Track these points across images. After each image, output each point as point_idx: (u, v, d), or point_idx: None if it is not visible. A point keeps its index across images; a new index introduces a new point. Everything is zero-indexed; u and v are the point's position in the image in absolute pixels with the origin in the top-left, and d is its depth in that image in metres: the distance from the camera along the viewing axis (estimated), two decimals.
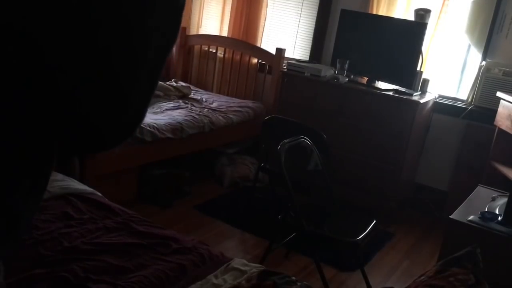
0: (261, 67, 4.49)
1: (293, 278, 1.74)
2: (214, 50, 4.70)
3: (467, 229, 2.13)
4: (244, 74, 4.52)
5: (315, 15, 4.29)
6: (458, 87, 3.88)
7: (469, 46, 3.76)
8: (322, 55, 4.29)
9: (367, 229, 2.44)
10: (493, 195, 2.51)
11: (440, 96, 3.85)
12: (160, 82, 4.23)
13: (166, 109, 3.78)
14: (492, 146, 3.36)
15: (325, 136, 2.93)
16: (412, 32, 3.57)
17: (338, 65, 3.78)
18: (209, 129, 3.69)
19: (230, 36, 4.57)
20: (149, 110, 3.70)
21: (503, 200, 2.35)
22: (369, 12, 3.89)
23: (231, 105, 4.15)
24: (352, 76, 3.85)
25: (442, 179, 3.90)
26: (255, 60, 4.48)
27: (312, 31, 4.32)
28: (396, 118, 3.50)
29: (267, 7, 4.45)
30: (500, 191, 2.59)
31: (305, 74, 3.85)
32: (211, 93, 4.60)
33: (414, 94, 3.55)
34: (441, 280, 1.29)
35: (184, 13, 4.82)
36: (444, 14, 3.69)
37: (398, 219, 3.67)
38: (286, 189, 2.40)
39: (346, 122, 3.70)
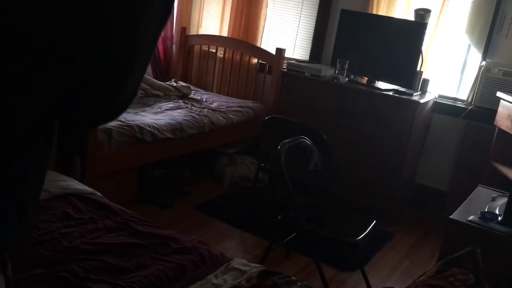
0: (261, 67, 4.49)
1: (293, 278, 1.74)
2: (214, 50, 4.70)
3: (467, 229, 2.12)
4: (244, 74, 4.52)
5: (315, 15, 4.29)
6: (458, 87, 3.88)
7: (469, 46, 3.76)
8: (322, 55, 4.29)
9: (367, 229, 2.44)
10: (493, 195, 2.50)
11: (440, 96, 3.85)
12: (160, 82, 4.24)
13: (166, 109, 3.78)
14: (492, 146, 3.36)
15: (325, 136, 2.93)
16: (412, 32, 3.57)
17: (338, 65, 3.78)
18: (209, 129, 3.69)
19: (230, 36, 4.57)
20: (149, 110, 3.71)
21: (503, 200, 2.35)
22: (369, 12, 3.89)
23: (231, 105, 4.15)
24: (352, 76, 3.85)
25: (442, 179, 3.90)
26: (255, 60, 4.48)
27: (312, 31, 4.32)
28: (396, 118, 3.50)
29: (267, 7, 4.45)
30: (500, 191, 2.59)
31: (305, 74, 3.85)
32: (211, 93, 4.60)
33: (414, 94, 3.55)
34: (441, 280, 1.29)
35: (184, 13, 4.85)
36: (444, 14, 3.69)
37: (398, 219, 3.67)
38: (286, 189, 2.40)
39: (346, 122, 3.70)
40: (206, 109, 3.92)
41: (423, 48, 3.57)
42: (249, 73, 4.50)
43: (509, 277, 2.05)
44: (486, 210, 2.25)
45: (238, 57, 4.52)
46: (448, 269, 1.33)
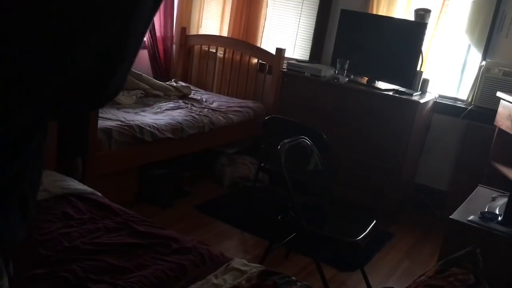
0: (261, 67, 4.49)
1: (293, 278, 1.74)
2: (214, 50, 4.70)
3: (467, 229, 2.13)
4: (244, 74, 4.52)
5: (315, 15, 4.29)
6: (458, 87, 3.88)
7: (469, 46, 3.76)
8: (322, 55, 4.29)
9: (367, 229, 2.44)
10: (493, 195, 2.50)
11: (440, 96, 3.85)
12: (160, 82, 4.24)
13: (166, 109, 3.78)
14: (492, 146, 3.36)
15: (325, 136, 2.93)
16: (412, 32, 3.57)
17: (338, 65, 3.78)
18: (209, 129, 3.69)
19: (230, 36, 4.57)
20: (149, 110, 3.71)
21: (503, 200, 2.35)
22: (369, 12, 3.89)
23: (231, 105, 4.15)
24: (352, 76, 3.85)
25: (442, 179, 3.90)
26: (255, 60, 4.48)
27: (312, 31, 4.32)
28: (396, 118, 3.50)
29: (267, 7, 4.45)
30: (500, 191, 2.59)
31: (305, 74, 3.85)
32: (211, 93, 4.60)
33: (414, 94, 3.55)
34: (441, 280, 1.29)
35: (184, 13, 4.85)
36: (444, 14, 3.69)
37: (398, 219, 3.67)
38: (286, 189, 2.40)
39: (346, 122, 3.70)
40: (206, 109, 3.92)
41: (423, 48, 3.57)
42: (249, 73, 4.50)
43: (509, 277, 2.05)
44: (486, 210, 2.25)
45: (238, 57, 4.52)
46: (448, 269, 1.33)
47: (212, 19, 4.82)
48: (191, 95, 4.30)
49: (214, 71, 4.74)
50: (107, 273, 1.68)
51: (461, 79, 3.87)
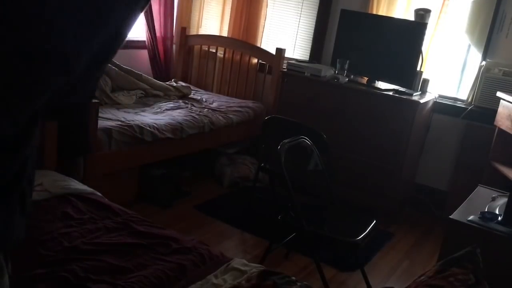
0: (261, 67, 4.49)
1: (293, 278, 1.74)
2: (214, 50, 4.70)
3: (467, 229, 2.12)
4: (244, 74, 4.52)
5: (315, 15, 4.29)
6: (458, 87, 3.88)
7: (469, 46, 3.76)
8: (322, 55, 4.29)
9: (367, 229, 2.44)
10: (493, 195, 2.50)
11: (440, 96, 3.85)
12: (160, 82, 4.24)
13: (166, 109, 3.78)
14: (492, 146, 3.36)
15: (325, 136, 2.93)
16: (412, 32, 3.57)
17: (338, 65, 3.78)
18: (209, 129, 3.69)
19: (230, 36, 4.57)
20: (149, 110, 3.71)
21: (503, 200, 2.34)
22: (369, 12, 3.89)
23: (231, 105, 4.15)
24: (352, 76, 3.85)
25: (442, 179, 3.90)
26: (255, 60, 4.48)
27: (312, 31, 4.32)
28: (396, 118, 3.50)
29: (267, 7, 4.45)
30: (500, 191, 2.58)
31: (305, 74, 3.85)
32: (211, 93, 4.60)
33: (414, 94, 3.55)
34: (441, 280, 1.29)
35: (184, 13, 4.84)
36: (444, 14, 3.69)
37: (398, 219, 3.67)
38: (286, 189, 2.40)
39: (346, 122, 3.69)
40: (206, 109, 3.92)
41: (423, 48, 3.57)
42: (249, 73, 4.50)
43: (509, 277, 2.05)
44: (486, 210, 2.25)
45: (238, 57, 4.52)
46: (448, 269, 1.33)
47: (212, 19, 4.82)
48: (191, 95, 4.30)
49: (214, 71, 4.73)
50: (107, 273, 1.68)
51: (461, 79, 3.87)
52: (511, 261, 2.05)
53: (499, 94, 3.29)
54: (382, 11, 3.87)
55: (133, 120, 3.27)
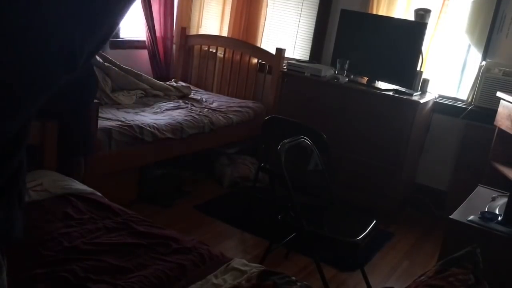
0: (261, 67, 4.49)
1: (293, 278, 1.74)
2: (214, 50, 4.70)
3: (467, 229, 2.12)
4: (244, 74, 4.52)
5: (315, 15, 4.29)
6: (458, 87, 3.88)
7: (469, 46, 3.76)
8: (322, 55, 4.29)
9: (367, 229, 2.44)
10: (493, 195, 2.50)
11: (440, 96, 3.85)
12: (160, 82, 4.24)
13: (166, 109, 3.78)
14: (492, 146, 3.36)
15: (325, 136, 2.93)
16: (412, 32, 3.57)
17: (338, 65, 3.78)
18: (209, 129, 3.69)
19: (230, 36, 4.57)
20: (149, 110, 3.71)
21: (503, 200, 2.34)
22: (369, 12, 3.89)
23: (231, 105, 4.15)
24: (352, 76, 3.85)
25: (442, 179, 3.90)
26: (255, 60, 4.48)
27: (312, 31, 4.32)
28: (396, 118, 3.50)
29: (267, 7, 4.45)
30: (500, 191, 2.59)
31: (305, 74, 3.85)
32: (211, 93, 4.60)
33: (414, 94, 3.55)
34: (441, 280, 1.29)
35: (184, 13, 4.85)
36: (444, 14, 3.69)
37: (398, 219, 3.67)
38: (286, 189, 2.40)
39: (346, 122, 3.69)
40: (206, 109, 3.92)
41: (423, 48, 3.57)
42: (249, 73, 4.50)
43: (509, 277, 2.05)
44: (486, 210, 2.25)
45: (238, 57, 4.52)
46: (448, 269, 1.33)
47: (212, 19, 4.82)
48: (191, 95, 4.30)
49: (214, 71, 4.73)
50: (107, 273, 1.68)
51: (461, 79, 3.87)
52: (511, 261, 2.05)
53: (499, 94, 3.29)
54: (382, 11, 3.87)
55: (133, 120, 3.27)
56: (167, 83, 4.32)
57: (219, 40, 4.63)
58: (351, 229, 2.48)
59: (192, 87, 4.48)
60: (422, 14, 3.58)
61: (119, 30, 4.38)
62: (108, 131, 3.00)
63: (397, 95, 3.55)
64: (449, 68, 3.88)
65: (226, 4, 4.65)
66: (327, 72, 3.85)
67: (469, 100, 3.71)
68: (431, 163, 3.94)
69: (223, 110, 3.99)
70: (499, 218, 2.15)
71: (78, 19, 0.60)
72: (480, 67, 3.61)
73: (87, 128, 2.74)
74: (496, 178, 3.13)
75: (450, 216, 2.21)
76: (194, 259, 1.83)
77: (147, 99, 4.01)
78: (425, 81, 3.72)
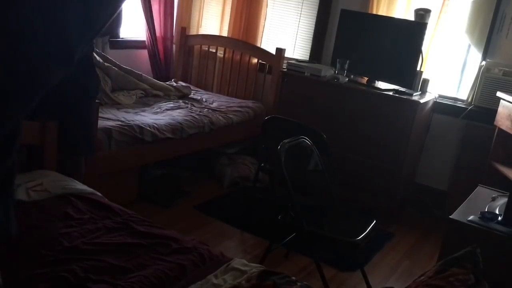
0: (261, 67, 4.49)
1: (293, 278, 1.74)
2: (214, 50, 4.70)
3: (467, 229, 2.12)
4: (244, 74, 4.52)
5: (315, 15, 4.29)
6: (458, 87, 3.88)
7: (469, 46, 3.76)
8: (322, 55, 4.29)
9: (367, 229, 2.44)
10: (493, 195, 2.50)
11: (440, 96, 3.85)
12: (160, 82, 4.24)
13: (166, 109, 3.78)
14: (492, 146, 3.36)
15: (325, 136, 2.93)
16: (412, 32, 3.57)
17: (338, 65, 3.78)
18: (209, 129, 3.69)
19: (230, 36, 4.57)
20: (149, 110, 3.71)
21: (503, 200, 2.35)
22: (369, 12, 3.89)
23: (231, 105, 4.15)
24: (352, 76, 3.85)
25: (442, 179, 3.90)
26: (255, 60, 4.48)
27: (312, 31, 4.32)
28: (396, 118, 3.50)
29: (267, 7, 4.45)
30: (500, 191, 2.59)
31: (305, 74, 3.85)
32: (211, 93, 4.60)
33: (414, 94, 3.55)
34: (441, 280, 1.29)
35: (184, 13, 4.85)
36: (444, 14, 3.69)
37: (398, 219, 3.67)
38: (286, 189, 2.40)
39: (346, 122, 3.70)
40: (206, 109, 3.92)
41: (423, 48, 3.57)
42: (249, 73, 4.50)
43: (509, 277, 2.05)
44: (486, 210, 2.25)
45: (238, 57, 4.52)
46: (448, 269, 1.33)
47: (212, 19, 4.82)
48: (191, 95, 4.30)
49: (214, 71, 4.73)
50: (107, 273, 1.68)
51: (461, 79, 3.87)
52: (511, 261, 2.05)
53: (499, 94, 3.29)
54: (382, 11, 3.87)
55: (133, 120, 3.27)
56: (167, 83, 4.33)
57: (219, 40, 4.63)
58: (351, 229, 2.48)
59: (192, 87, 4.48)
60: (422, 14, 3.58)
61: (119, 30, 4.38)
62: (108, 131, 3.00)
63: (397, 95, 3.55)
64: (449, 68, 3.88)
65: (226, 4, 4.65)
66: (327, 72, 3.85)
67: (469, 100, 3.71)
68: (431, 163, 3.94)
69: (223, 110, 3.99)
70: (499, 218, 2.15)
71: (74, 13, 0.60)
72: (480, 67, 3.61)
73: (87, 128, 2.74)
74: (496, 178, 3.13)
75: (450, 216, 2.21)
76: (194, 259, 1.83)
77: (147, 99, 4.01)
78: (425, 81, 3.72)
